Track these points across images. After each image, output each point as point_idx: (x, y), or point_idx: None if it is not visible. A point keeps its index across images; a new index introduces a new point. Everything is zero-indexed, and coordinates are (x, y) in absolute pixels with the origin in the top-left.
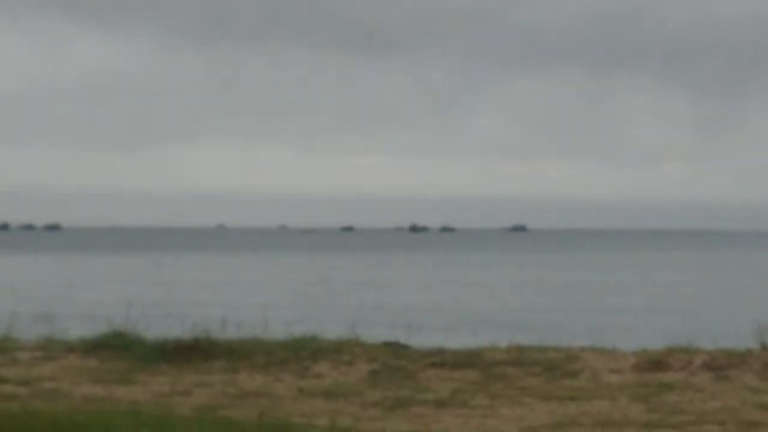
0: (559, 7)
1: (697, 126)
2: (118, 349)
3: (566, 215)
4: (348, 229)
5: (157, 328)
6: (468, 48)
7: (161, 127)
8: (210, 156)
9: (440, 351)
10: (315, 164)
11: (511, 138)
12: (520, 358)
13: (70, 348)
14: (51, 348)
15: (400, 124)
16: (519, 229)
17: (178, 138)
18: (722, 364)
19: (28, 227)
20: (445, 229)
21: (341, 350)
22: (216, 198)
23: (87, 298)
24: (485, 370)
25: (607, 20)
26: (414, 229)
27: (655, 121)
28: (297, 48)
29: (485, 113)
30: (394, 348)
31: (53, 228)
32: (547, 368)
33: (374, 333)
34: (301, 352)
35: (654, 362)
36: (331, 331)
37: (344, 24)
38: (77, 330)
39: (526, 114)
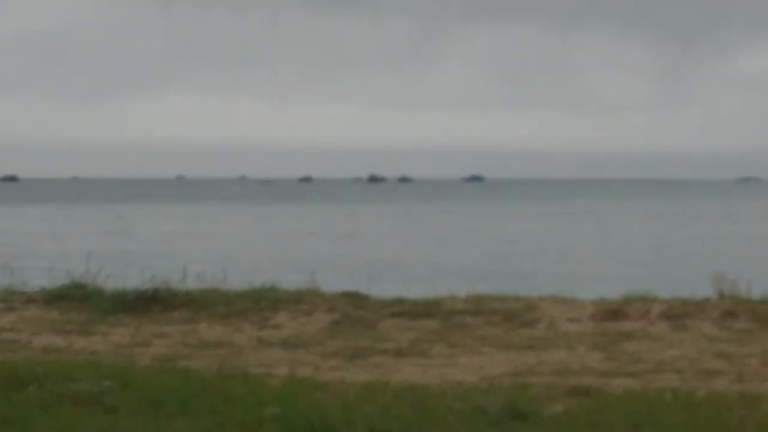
0: None
1: (658, 76)
2: (78, 300)
3: (525, 165)
4: (306, 180)
5: (117, 279)
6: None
7: (120, 79)
8: (170, 107)
9: (400, 301)
10: (275, 115)
11: (471, 89)
12: (479, 307)
13: (29, 299)
14: (10, 299)
15: (361, 75)
16: (476, 179)
17: (138, 89)
18: (680, 313)
19: None
20: (404, 180)
21: (301, 300)
22: (176, 149)
23: (47, 249)
24: (444, 320)
25: None
26: (373, 179)
27: (616, 72)
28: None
29: (447, 64)
30: (354, 298)
31: (10, 179)
32: (506, 317)
33: (334, 283)
34: (260, 303)
35: (612, 311)
36: (291, 281)
37: None
38: (37, 281)
39: (488, 65)
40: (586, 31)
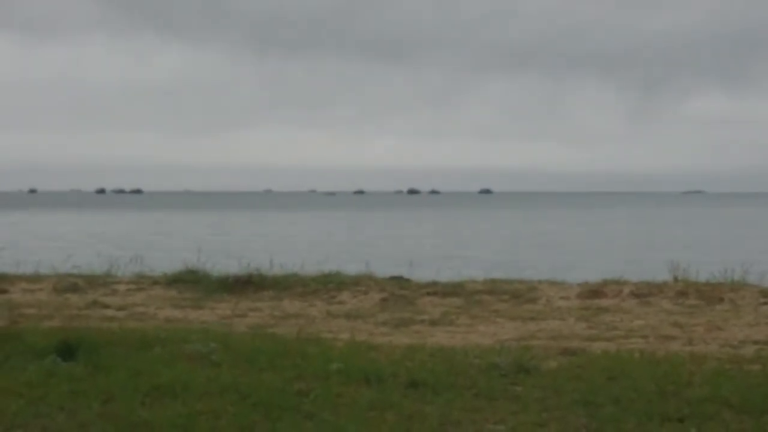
0: (522, 25)
1: (627, 115)
2: (191, 282)
3: (526, 181)
4: (359, 192)
5: (220, 266)
6: (456, 56)
7: (222, 117)
8: (261, 137)
9: (434, 283)
10: (338, 143)
11: (486, 124)
12: (494, 288)
13: (155, 282)
14: (141, 282)
15: (403, 115)
16: (486, 191)
17: (238, 125)
18: (645, 292)
19: (119, 191)
20: (433, 192)
21: (359, 283)
22: (265, 169)
23: (168, 244)
24: (467, 298)
25: (560, 35)
26: (411, 191)
27: (596, 111)
28: (329, 56)
29: (468, 106)
30: (399, 281)
31: (137, 192)
32: (514, 296)
33: (384, 269)
34: (328, 284)
35: (593, 291)
36: (351, 268)
37: (363, 37)
38: (161, 268)
39: (499, 107)
40: (573, 80)
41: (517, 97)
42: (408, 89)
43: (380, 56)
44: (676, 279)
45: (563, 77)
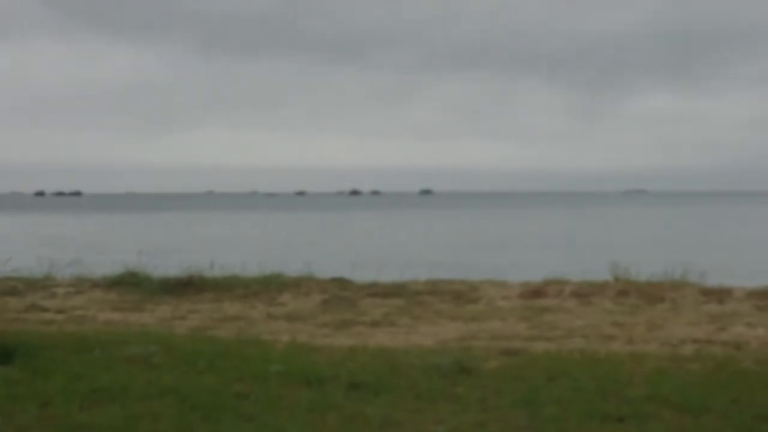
0: (469, 25)
1: (573, 115)
2: (132, 285)
3: (467, 181)
4: (301, 193)
5: (161, 268)
6: (404, 56)
7: (172, 118)
8: (206, 139)
9: (375, 284)
10: (283, 146)
11: (433, 124)
12: (435, 288)
13: (95, 284)
14: (81, 284)
15: (351, 116)
16: (426, 192)
17: (184, 126)
18: (586, 292)
19: (58, 193)
20: (375, 193)
21: (300, 284)
22: (208, 171)
23: (108, 247)
24: (409, 298)
25: (509, 35)
26: (353, 192)
27: (544, 111)
28: (277, 57)
29: (416, 106)
30: (340, 282)
31: (77, 194)
32: (455, 296)
33: (325, 271)
34: (269, 286)
35: (535, 291)
36: (292, 269)
37: (312, 38)
38: (101, 270)
39: (446, 107)
40: (521, 80)
41: (465, 97)
42: (356, 90)
43: (329, 57)
44: (616, 278)
45: (511, 77)
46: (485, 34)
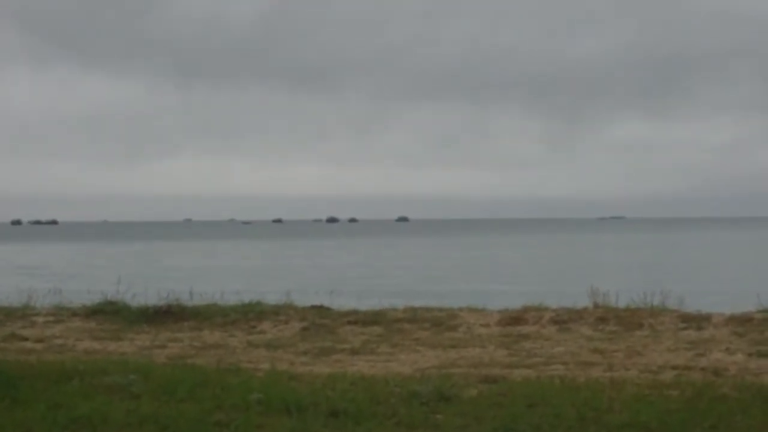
0: (445, 51)
1: (549, 141)
2: (111, 313)
3: (444, 209)
4: (278, 221)
5: (140, 297)
6: (379, 84)
7: (149, 146)
8: (182, 167)
9: (354, 312)
10: (259, 173)
11: (408, 151)
12: (414, 316)
13: (74, 313)
14: (60, 314)
15: (326, 143)
16: (402, 219)
17: (160, 154)
18: (565, 319)
19: (35, 222)
20: (352, 220)
21: (279, 312)
22: (185, 199)
23: (87, 275)
24: (388, 326)
25: (483, 63)
26: (330, 220)
27: (518, 139)
28: (252, 85)
29: (391, 133)
30: (319, 310)
31: (53, 223)
32: (434, 324)
33: (304, 299)
34: (248, 314)
35: (514, 318)
36: (271, 297)
37: (287, 66)
38: (80, 299)
39: (421, 133)
40: (496, 107)
41: (441, 124)
42: (333, 117)
43: (305, 84)
44: (595, 305)
45: (486, 104)
46: (461, 61)
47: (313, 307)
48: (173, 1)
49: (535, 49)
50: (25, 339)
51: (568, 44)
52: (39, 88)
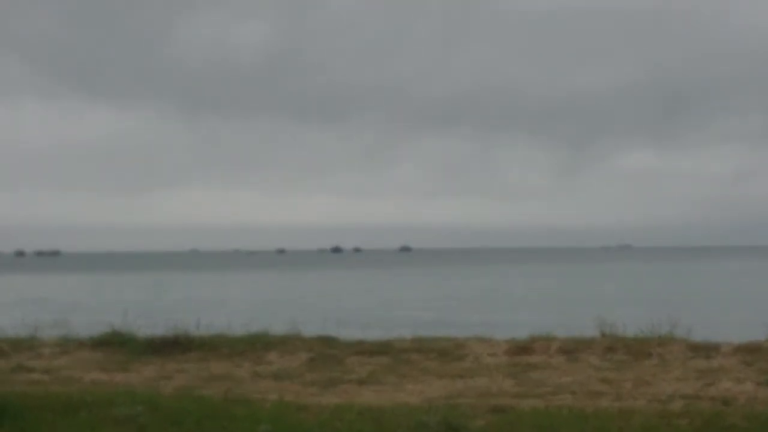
0: (453, 84)
1: (556, 171)
2: (118, 345)
3: (448, 238)
4: (281, 251)
5: (146, 328)
6: (387, 115)
7: (154, 177)
8: (189, 197)
9: (361, 342)
10: (265, 204)
11: (415, 182)
12: (421, 346)
13: (81, 344)
14: (66, 345)
15: (333, 174)
16: (405, 249)
17: (167, 185)
18: (572, 348)
19: (39, 253)
20: (356, 250)
21: (286, 343)
22: (191, 229)
23: (93, 306)
24: (395, 356)
25: (490, 93)
26: (335, 250)
27: (525, 169)
28: (260, 117)
29: (398, 164)
30: (326, 340)
31: (54, 254)
32: (441, 354)
33: (311, 329)
34: (256, 345)
35: (521, 347)
36: (278, 328)
37: (294, 99)
38: (86, 331)
39: (428, 164)
40: (504, 137)
41: (446, 154)
42: (338, 147)
43: (311, 115)
44: (603, 334)
45: (493, 134)
46: (467, 91)
47: (320, 338)
48: (180, 32)
49: (543, 80)
50: (32, 370)
51: (575, 74)
52: (45, 118)
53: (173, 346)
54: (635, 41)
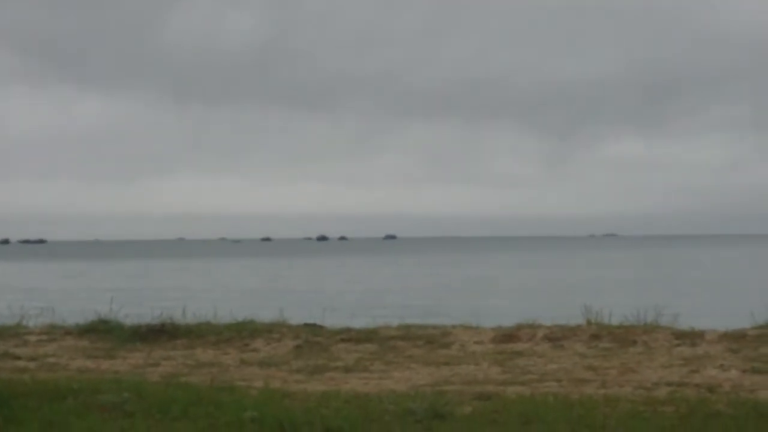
0: (441, 72)
1: (544, 160)
2: (104, 332)
3: (435, 227)
4: (266, 239)
5: (133, 315)
6: (375, 104)
7: (144, 165)
8: (176, 186)
9: (347, 330)
10: (252, 192)
11: (403, 170)
12: (407, 334)
13: (67, 332)
14: (53, 332)
15: (321, 162)
16: (390, 237)
17: (155, 174)
18: (558, 336)
19: (24, 241)
20: (342, 238)
21: (272, 330)
22: (179, 217)
23: (79, 294)
24: (381, 344)
25: (478, 82)
26: (320, 238)
27: (513, 157)
28: (249, 105)
29: (386, 152)
30: (313, 328)
31: (41, 242)
32: (428, 341)
33: (297, 316)
34: (242, 332)
35: (507, 335)
36: (265, 315)
37: (282, 88)
38: (73, 318)
39: (417, 153)
40: (491, 127)
41: (433, 143)
42: (324, 136)
43: (298, 104)
44: (589, 322)
45: (481, 123)
46: (455, 80)
47: (306, 325)
48: (170, 20)
49: (530, 68)
50: (18, 358)
51: (563, 63)
52: (34, 107)
53: (159, 333)
54: (624, 30)
